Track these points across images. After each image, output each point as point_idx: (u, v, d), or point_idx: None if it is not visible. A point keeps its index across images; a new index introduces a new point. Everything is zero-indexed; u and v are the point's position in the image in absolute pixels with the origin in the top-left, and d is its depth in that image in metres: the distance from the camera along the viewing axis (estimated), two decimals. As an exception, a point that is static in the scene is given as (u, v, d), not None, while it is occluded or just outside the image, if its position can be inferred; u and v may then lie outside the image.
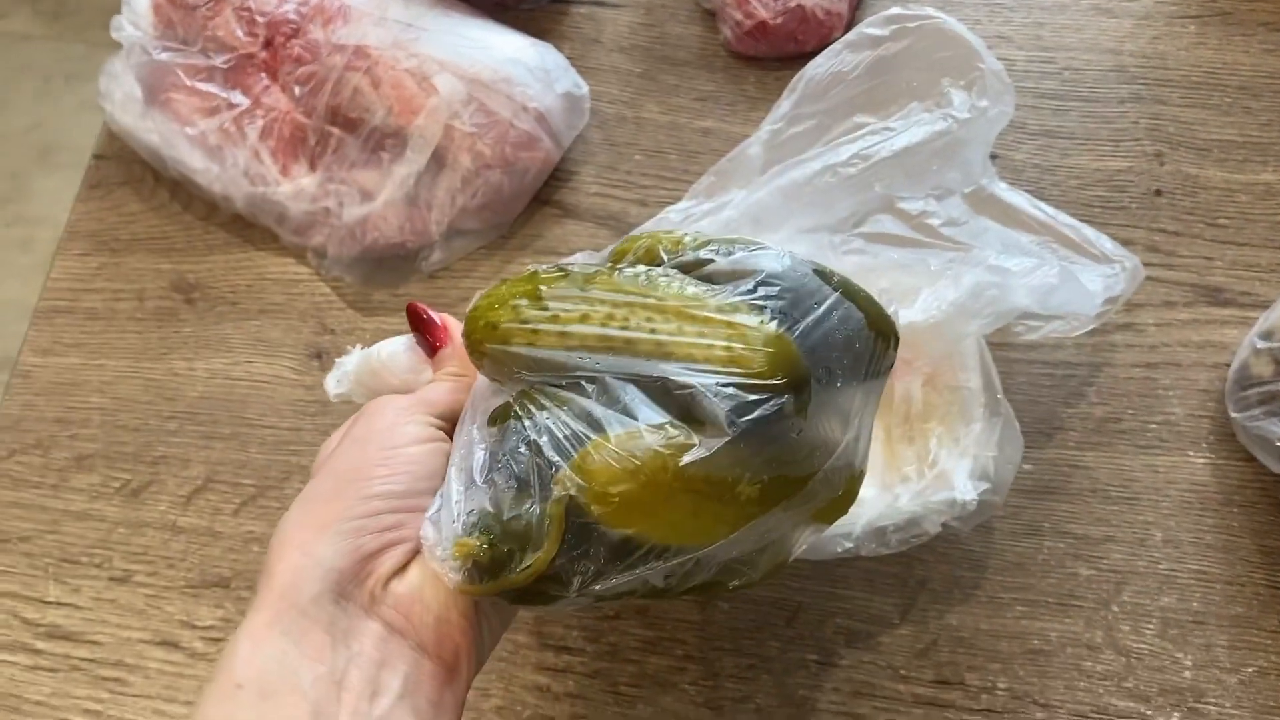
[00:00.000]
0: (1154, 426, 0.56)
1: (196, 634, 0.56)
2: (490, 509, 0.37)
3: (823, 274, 0.38)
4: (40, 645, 0.56)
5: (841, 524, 0.49)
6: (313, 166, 0.61)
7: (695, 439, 0.35)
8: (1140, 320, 0.58)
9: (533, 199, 0.64)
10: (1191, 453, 0.55)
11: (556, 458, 0.36)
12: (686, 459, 0.35)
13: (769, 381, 0.35)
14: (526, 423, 0.37)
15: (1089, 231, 0.54)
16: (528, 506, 0.36)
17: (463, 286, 0.63)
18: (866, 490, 0.51)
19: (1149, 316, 0.58)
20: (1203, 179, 0.62)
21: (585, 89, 0.63)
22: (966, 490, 0.49)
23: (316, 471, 0.41)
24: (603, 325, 0.37)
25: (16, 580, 0.58)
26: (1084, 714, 0.51)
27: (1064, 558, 0.54)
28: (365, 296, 0.63)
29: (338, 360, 0.47)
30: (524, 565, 0.36)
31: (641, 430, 0.35)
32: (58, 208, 1.93)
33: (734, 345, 0.35)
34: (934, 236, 0.53)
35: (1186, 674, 0.51)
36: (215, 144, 0.61)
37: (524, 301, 0.38)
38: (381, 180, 0.59)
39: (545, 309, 0.37)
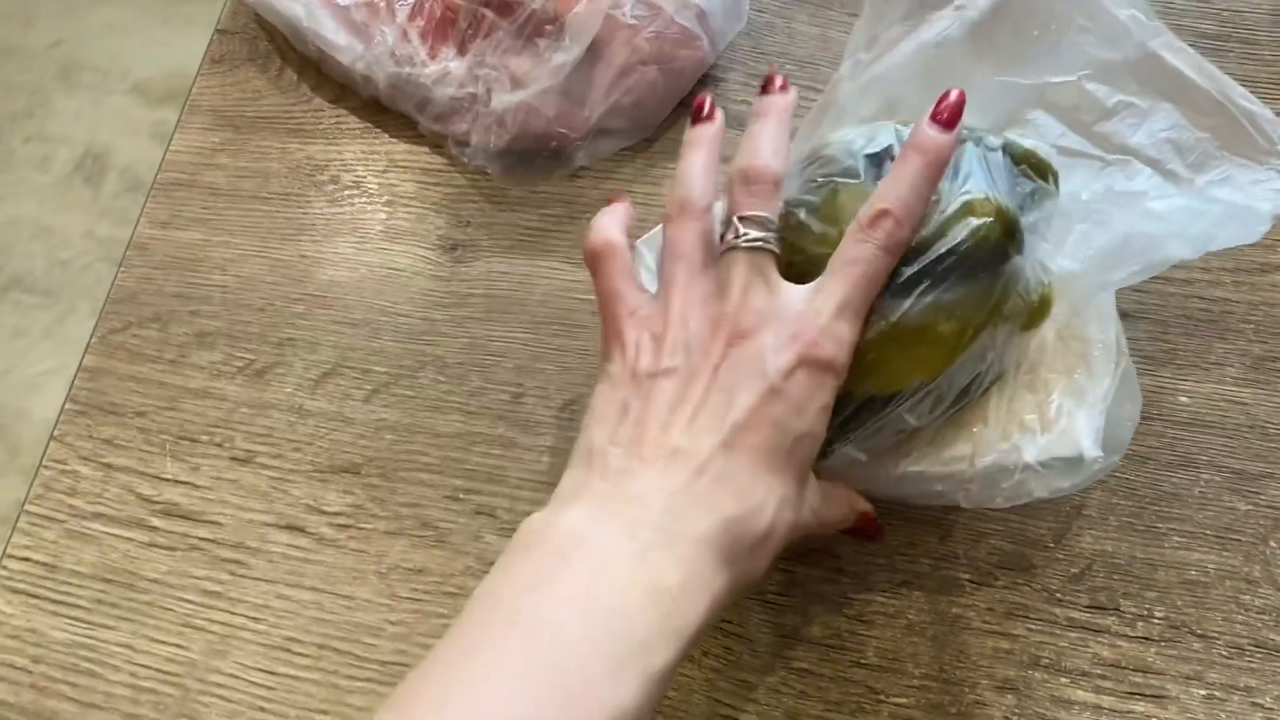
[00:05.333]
0: (1312, 367, 0.56)
1: (324, 519, 0.54)
2: None
3: (977, 139, 0.45)
4: (156, 522, 0.54)
5: (956, 461, 0.47)
6: (462, 50, 0.59)
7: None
8: (1299, 261, 0.58)
9: (678, 103, 0.62)
10: (1351, 394, 0.55)
11: None
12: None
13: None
14: None
15: (1267, 119, 0.45)
16: None
17: (603, 188, 0.61)
18: (983, 430, 0.47)
19: (1310, 256, 0.58)
20: (1363, 127, 0.61)
21: (746, -11, 0.61)
22: (1092, 448, 0.45)
23: None
24: None
25: (133, 455, 0.56)
26: (1241, 647, 0.50)
27: (1221, 491, 0.53)
28: (502, 191, 0.61)
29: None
30: None
31: None
32: (79, 128, 1.89)
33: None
34: (1086, 135, 0.48)
35: (1345, 613, 0.51)
36: (362, 20, 0.59)
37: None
38: (535, 69, 0.57)
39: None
